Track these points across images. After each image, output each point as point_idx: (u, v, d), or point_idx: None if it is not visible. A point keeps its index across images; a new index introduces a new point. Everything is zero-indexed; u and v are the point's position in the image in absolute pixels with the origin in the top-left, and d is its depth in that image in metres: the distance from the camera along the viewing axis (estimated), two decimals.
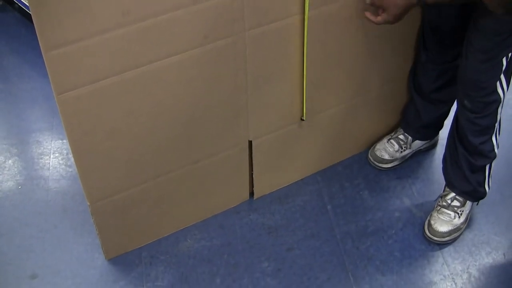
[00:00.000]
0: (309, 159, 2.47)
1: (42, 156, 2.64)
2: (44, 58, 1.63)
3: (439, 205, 2.35)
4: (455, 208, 2.32)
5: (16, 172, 2.58)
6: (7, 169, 2.59)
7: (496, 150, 2.22)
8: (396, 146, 2.55)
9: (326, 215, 2.40)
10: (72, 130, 1.82)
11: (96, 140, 1.88)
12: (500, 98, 2.06)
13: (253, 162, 2.29)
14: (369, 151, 2.60)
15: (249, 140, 2.21)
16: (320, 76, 2.16)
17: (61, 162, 2.60)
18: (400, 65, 2.40)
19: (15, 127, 2.78)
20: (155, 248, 2.30)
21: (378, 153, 2.56)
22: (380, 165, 2.56)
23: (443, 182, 2.40)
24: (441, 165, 2.39)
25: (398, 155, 2.55)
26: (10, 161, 2.62)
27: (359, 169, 2.57)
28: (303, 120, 2.23)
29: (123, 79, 1.77)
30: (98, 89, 1.76)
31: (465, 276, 2.23)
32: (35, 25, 1.57)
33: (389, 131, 2.61)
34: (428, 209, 2.41)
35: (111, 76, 1.75)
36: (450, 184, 2.35)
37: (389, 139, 2.57)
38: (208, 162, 2.17)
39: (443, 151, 2.39)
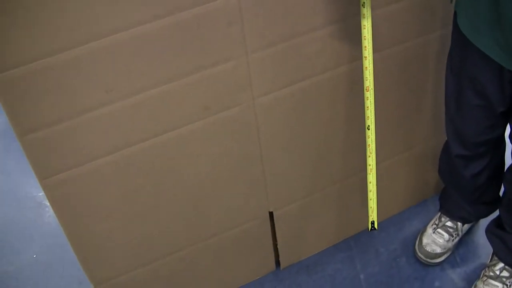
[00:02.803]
0: (341, 224, 2.13)
1: None
2: (19, 143, 1.36)
3: (486, 275, 1.97)
4: (504, 279, 1.95)
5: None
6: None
7: None
8: (446, 236, 2.11)
9: (358, 286, 2.06)
10: (63, 214, 1.54)
11: (91, 223, 1.59)
12: None
13: (276, 233, 1.97)
14: (416, 247, 2.15)
15: (269, 211, 1.89)
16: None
17: None
18: None
19: None
20: None
21: (428, 248, 2.11)
22: (433, 261, 2.12)
23: (489, 247, 2.02)
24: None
25: (450, 244, 2.12)
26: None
27: (396, 232, 2.21)
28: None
29: (114, 159, 1.49)
30: (86, 172, 1.47)
31: None
32: (3, 108, 1.29)
33: None
34: (472, 278, 2.04)
35: (100, 157, 1.47)
36: (498, 255, 1.97)
37: (435, 229, 2.13)
38: (225, 236, 1.86)
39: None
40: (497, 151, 1.87)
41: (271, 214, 1.90)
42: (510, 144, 1.76)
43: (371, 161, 1.69)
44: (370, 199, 1.76)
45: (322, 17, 1.52)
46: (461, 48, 1.62)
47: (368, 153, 1.67)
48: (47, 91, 1.31)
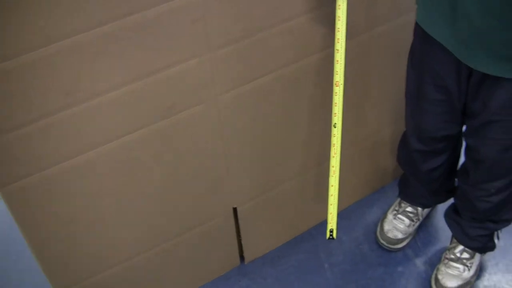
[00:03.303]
0: (303, 215, 2.09)
1: None
2: None
3: (447, 258, 1.97)
4: (465, 261, 1.94)
5: None
6: None
7: None
8: (407, 221, 2.09)
9: (323, 275, 2.03)
10: (24, 222, 1.45)
11: (53, 229, 1.51)
12: None
13: (240, 228, 1.92)
14: (378, 234, 2.12)
15: (233, 207, 1.84)
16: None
17: None
18: None
19: None
20: None
21: (390, 234, 2.08)
22: (395, 246, 2.09)
23: (449, 230, 2.02)
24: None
25: (411, 229, 2.10)
26: None
27: (357, 219, 2.19)
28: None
29: (76, 164, 1.41)
30: (47, 178, 1.39)
31: None
32: None
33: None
34: (434, 261, 2.04)
35: (61, 162, 1.39)
36: (457, 239, 1.97)
37: (395, 215, 2.10)
38: (189, 234, 1.80)
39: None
40: (454, 147, 1.86)
41: (234, 210, 1.85)
42: (464, 142, 1.75)
43: (335, 162, 1.57)
44: (331, 204, 1.62)
45: (286, 10, 1.47)
46: (422, 42, 1.59)
47: (332, 153, 1.56)
48: (4, 96, 1.22)
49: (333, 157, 1.56)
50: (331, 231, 1.65)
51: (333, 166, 1.57)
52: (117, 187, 1.53)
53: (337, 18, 1.45)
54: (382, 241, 2.09)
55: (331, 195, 1.61)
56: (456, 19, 1.39)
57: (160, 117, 1.46)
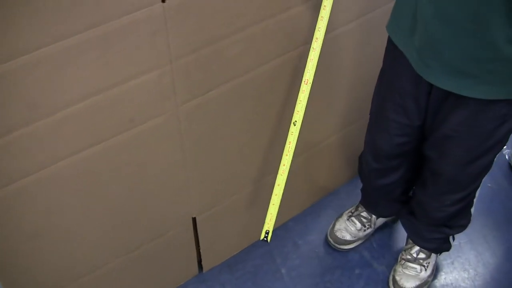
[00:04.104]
0: (259, 221, 2.08)
1: None
2: None
3: (403, 259, 2.00)
4: (421, 261, 1.98)
5: None
6: None
7: (471, 217, 1.89)
8: (358, 225, 2.11)
9: (280, 280, 2.04)
10: None
11: (17, 244, 1.48)
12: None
13: (199, 237, 1.91)
14: (328, 231, 2.14)
15: (192, 217, 1.83)
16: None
17: None
18: None
19: None
20: None
21: (338, 234, 2.11)
22: (342, 247, 2.11)
23: (404, 231, 2.06)
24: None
25: (361, 234, 2.12)
26: None
27: (312, 222, 2.20)
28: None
29: (38, 178, 1.38)
30: (8, 193, 1.36)
31: None
32: None
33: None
34: (390, 262, 2.07)
35: (23, 177, 1.36)
36: (413, 240, 2.00)
37: (349, 217, 2.13)
38: (149, 246, 1.79)
39: None
40: (412, 162, 1.86)
41: (194, 219, 1.85)
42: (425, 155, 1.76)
43: (287, 161, 1.54)
44: (273, 204, 1.59)
45: (244, 19, 1.47)
46: (391, 59, 1.60)
47: (286, 152, 1.54)
48: None
49: (286, 155, 1.54)
50: (267, 232, 1.63)
51: (284, 165, 1.55)
52: (79, 200, 1.51)
53: (319, 18, 1.44)
54: (329, 238, 2.13)
55: (275, 194, 1.58)
56: (416, 27, 1.41)
57: (121, 130, 1.44)
